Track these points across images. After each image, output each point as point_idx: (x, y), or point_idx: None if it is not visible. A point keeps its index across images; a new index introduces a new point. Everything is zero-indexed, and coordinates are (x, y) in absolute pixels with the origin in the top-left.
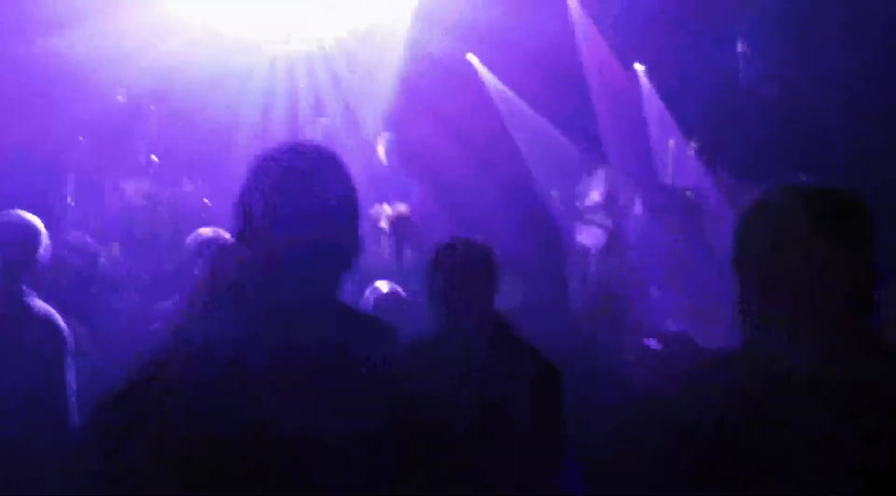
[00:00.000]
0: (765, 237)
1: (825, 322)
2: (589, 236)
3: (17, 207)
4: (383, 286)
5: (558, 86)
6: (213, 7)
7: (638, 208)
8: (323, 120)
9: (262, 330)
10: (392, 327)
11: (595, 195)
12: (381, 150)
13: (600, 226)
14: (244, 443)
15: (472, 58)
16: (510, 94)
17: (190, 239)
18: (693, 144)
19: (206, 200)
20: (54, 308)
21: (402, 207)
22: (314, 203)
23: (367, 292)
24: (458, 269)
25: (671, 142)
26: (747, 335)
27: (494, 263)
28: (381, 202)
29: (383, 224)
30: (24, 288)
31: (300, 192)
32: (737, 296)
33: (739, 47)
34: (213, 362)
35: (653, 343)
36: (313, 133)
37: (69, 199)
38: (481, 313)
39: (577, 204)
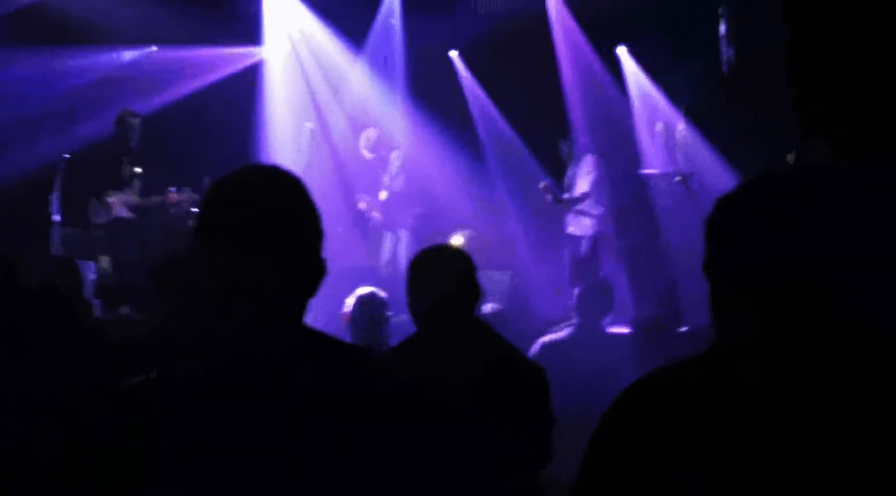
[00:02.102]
0: (736, 239)
1: (807, 321)
2: (579, 226)
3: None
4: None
5: (535, 75)
6: None
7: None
8: (308, 124)
9: (220, 362)
10: (364, 349)
11: (583, 185)
12: (364, 150)
13: (589, 214)
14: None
15: (454, 55)
16: (483, 94)
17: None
18: (681, 127)
19: (195, 210)
20: None
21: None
22: (273, 228)
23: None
24: (433, 280)
25: (659, 125)
26: (717, 339)
27: (469, 270)
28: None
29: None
30: None
31: (258, 217)
32: (709, 298)
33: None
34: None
35: (623, 329)
36: (301, 137)
37: (54, 216)
38: (455, 320)
39: (566, 194)
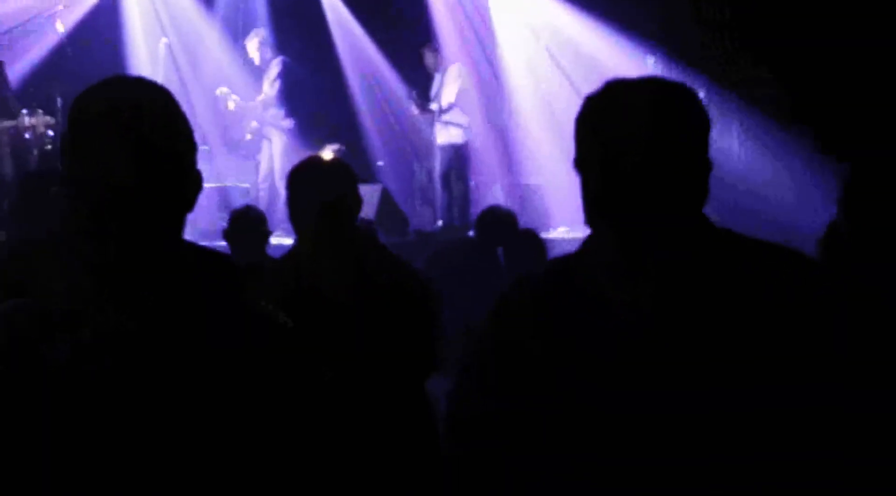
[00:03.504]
0: (600, 133)
1: (669, 212)
2: (447, 135)
3: None
4: None
5: None
6: None
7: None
8: (164, 39)
9: (97, 281)
10: (233, 264)
11: (449, 94)
12: (251, 49)
13: (457, 124)
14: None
15: None
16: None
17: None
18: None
19: (50, 133)
20: None
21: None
22: (145, 140)
23: None
24: (313, 190)
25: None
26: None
27: (349, 179)
28: None
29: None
30: None
31: (124, 131)
32: (582, 197)
33: None
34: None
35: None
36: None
37: None
38: (337, 230)
39: (432, 105)
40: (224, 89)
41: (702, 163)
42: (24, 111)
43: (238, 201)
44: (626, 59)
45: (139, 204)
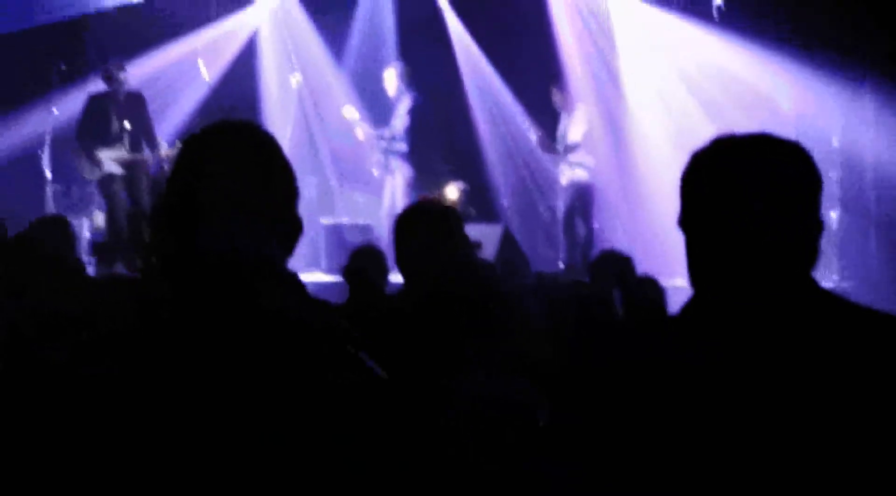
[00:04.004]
0: (706, 193)
1: (774, 276)
2: (572, 176)
3: None
4: None
5: (525, 25)
6: None
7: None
8: (295, 77)
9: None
10: (337, 307)
11: (576, 134)
12: (389, 80)
13: (583, 165)
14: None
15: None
16: (470, 39)
17: None
18: None
19: None
20: None
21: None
22: (242, 186)
23: None
24: (412, 232)
25: None
26: (696, 296)
27: (450, 221)
28: None
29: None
30: None
31: (231, 175)
32: (686, 256)
33: None
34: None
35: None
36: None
37: (47, 173)
38: (439, 271)
39: (558, 145)
40: (353, 112)
41: (810, 224)
42: (164, 142)
43: (359, 238)
44: (766, 78)
45: (239, 250)
